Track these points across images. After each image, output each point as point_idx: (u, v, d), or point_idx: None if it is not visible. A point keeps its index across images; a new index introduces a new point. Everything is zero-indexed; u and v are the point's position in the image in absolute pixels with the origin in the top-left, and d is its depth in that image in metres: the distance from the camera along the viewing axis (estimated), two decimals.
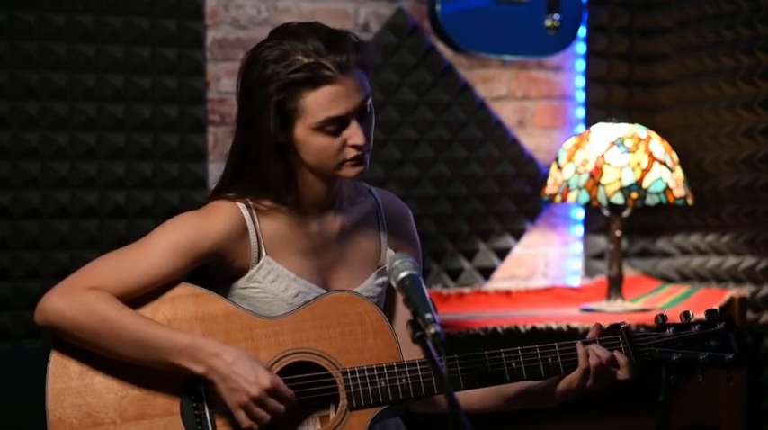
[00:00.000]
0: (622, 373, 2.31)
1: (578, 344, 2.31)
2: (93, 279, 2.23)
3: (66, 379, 2.23)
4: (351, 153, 2.27)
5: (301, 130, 2.25)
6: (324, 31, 2.27)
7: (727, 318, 2.37)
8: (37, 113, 3.60)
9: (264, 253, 2.31)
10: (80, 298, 2.21)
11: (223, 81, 3.88)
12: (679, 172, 3.79)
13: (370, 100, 2.29)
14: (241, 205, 2.30)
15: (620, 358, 2.31)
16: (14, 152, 3.58)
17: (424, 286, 2.08)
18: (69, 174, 3.64)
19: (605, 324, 2.38)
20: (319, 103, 2.23)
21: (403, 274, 2.09)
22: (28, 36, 3.59)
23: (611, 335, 2.34)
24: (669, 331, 2.34)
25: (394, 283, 2.11)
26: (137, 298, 2.24)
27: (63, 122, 3.64)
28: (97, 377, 2.24)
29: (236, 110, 2.33)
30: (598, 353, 2.30)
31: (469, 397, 2.35)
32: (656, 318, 2.37)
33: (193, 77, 3.81)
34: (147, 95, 3.74)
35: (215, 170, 3.84)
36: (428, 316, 1.99)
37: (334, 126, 2.24)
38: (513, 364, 2.30)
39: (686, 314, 2.36)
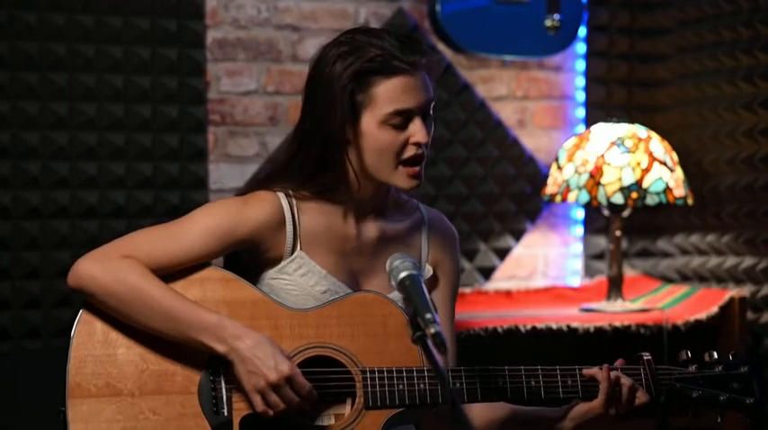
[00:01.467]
0: (640, 399, 2.34)
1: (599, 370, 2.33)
2: (128, 248, 2.26)
3: (90, 346, 2.25)
4: (411, 151, 2.29)
5: (368, 122, 2.28)
6: (396, 33, 2.32)
7: (751, 363, 2.38)
8: (37, 113, 3.60)
9: (299, 247, 2.32)
10: (113, 264, 2.24)
11: (223, 81, 3.88)
12: (679, 172, 3.79)
13: (432, 105, 2.32)
14: (282, 196, 2.32)
15: (639, 389, 2.33)
16: (14, 152, 3.58)
17: (424, 286, 2.08)
18: (69, 174, 3.64)
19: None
20: (390, 93, 2.26)
21: (403, 274, 2.10)
22: (28, 36, 3.59)
23: (633, 365, 2.35)
24: (692, 368, 2.36)
25: (394, 283, 2.12)
26: (167, 275, 2.27)
27: (63, 122, 3.64)
28: (120, 348, 2.26)
29: (301, 108, 2.35)
30: (622, 381, 2.32)
31: (475, 421, 2.36)
32: (681, 353, 2.39)
33: (193, 77, 3.81)
34: (147, 95, 3.74)
35: (215, 170, 3.84)
36: (428, 316, 2.00)
37: (400, 119, 2.28)
38: (533, 382, 2.29)
39: (710, 353, 2.38)
